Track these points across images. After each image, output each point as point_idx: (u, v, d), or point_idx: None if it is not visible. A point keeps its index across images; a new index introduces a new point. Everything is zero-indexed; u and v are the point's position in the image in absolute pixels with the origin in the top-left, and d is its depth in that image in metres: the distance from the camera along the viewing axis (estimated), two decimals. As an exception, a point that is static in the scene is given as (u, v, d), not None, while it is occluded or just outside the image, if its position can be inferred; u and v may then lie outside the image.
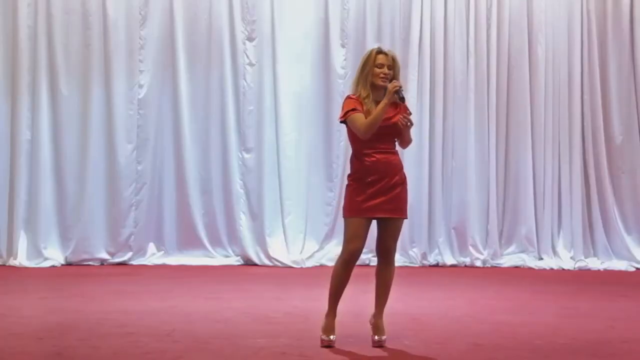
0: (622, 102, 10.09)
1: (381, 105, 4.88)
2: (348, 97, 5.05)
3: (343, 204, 5.09)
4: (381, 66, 4.98)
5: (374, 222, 5.06)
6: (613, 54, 10.08)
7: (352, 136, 5.04)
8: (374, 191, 4.95)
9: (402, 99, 4.95)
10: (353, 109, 4.95)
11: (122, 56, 9.37)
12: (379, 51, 5.04)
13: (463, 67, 9.88)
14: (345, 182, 5.16)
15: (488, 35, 9.94)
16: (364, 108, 4.96)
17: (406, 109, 5.06)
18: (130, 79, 9.40)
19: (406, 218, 5.12)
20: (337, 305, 5.04)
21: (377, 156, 4.97)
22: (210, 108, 9.59)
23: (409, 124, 4.90)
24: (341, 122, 5.06)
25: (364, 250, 5.22)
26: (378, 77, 4.97)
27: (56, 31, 9.26)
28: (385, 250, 5.07)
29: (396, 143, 5.10)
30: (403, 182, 5.05)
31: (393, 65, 5.02)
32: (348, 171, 5.15)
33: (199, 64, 9.58)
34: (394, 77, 5.00)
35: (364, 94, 4.99)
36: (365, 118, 4.91)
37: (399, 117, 4.91)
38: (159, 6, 9.49)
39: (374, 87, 5.00)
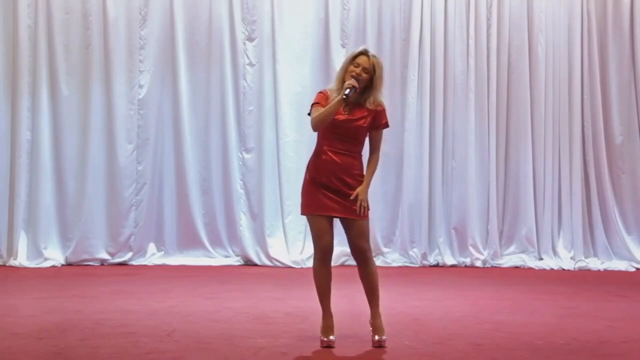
0: (622, 102, 10.09)
1: (334, 101, 4.89)
2: (318, 92, 5.10)
3: (301, 201, 5.08)
4: (357, 65, 4.97)
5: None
6: (613, 54, 10.08)
7: (318, 131, 5.05)
8: (330, 190, 4.95)
9: (346, 96, 4.89)
10: (316, 103, 4.98)
11: (122, 56, 9.38)
12: (363, 52, 5.03)
13: (463, 67, 9.88)
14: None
15: (488, 35, 9.94)
16: (328, 102, 4.96)
17: (381, 114, 5.02)
18: (130, 79, 9.41)
19: (365, 219, 5.02)
20: (329, 304, 5.05)
21: (333, 156, 4.98)
22: (211, 108, 9.59)
23: (361, 211, 4.92)
24: (308, 114, 5.08)
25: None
26: (349, 74, 4.96)
27: (56, 31, 9.26)
28: (358, 251, 5.05)
29: (360, 147, 5.05)
30: (358, 185, 4.98)
31: (372, 71, 4.97)
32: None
33: (199, 64, 9.58)
34: (372, 84, 4.96)
35: (335, 87, 5.01)
36: (320, 110, 4.94)
37: (357, 206, 4.91)
38: (159, 6, 9.49)
39: (343, 82, 4.98)
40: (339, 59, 9.59)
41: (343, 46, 9.68)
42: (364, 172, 5.06)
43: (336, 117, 4.94)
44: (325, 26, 9.74)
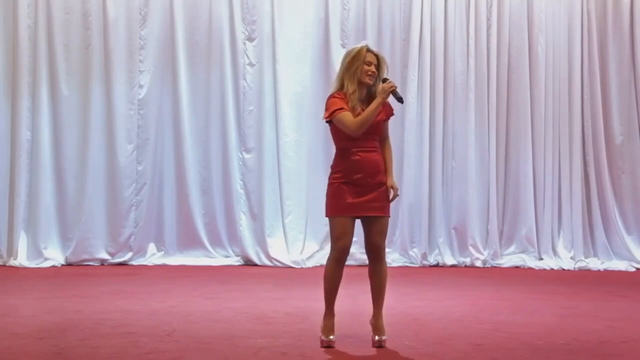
0: (622, 102, 10.10)
1: (375, 104, 4.91)
2: (332, 97, 5.04)
3: (326, 203, 5.08)
4: (369, 64, 5.00)
5: (359, 222, 5.07)
6: (613, 54, 10.08)
7: (338, 135, 5.04)
8: (357, 190, 4.96)
9: (401, 100, 5.00)
10: (340, 108, 4.95)
11: (122, 56, 9.38)
12: (369, 49, 5.05)
13: (463, 67, 9.88)
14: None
15: (488, 35, 9.95)
16: (349, 105, 4.96)
17: (388, 104, 5.09)
18: (130, 79, 9.41)
19: (389, 216, 5.10)
20: (333, 304, 5.05)
21: (362, 155, 4.98)
22: (211, 108, 9.59)
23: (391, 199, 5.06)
24: (327, 121, 5.06)
25: (362, 250, 5.23)
26: (366, 74, 4.98)
27: (56, 31, 9.27)
28: (375, 249, 5.06)
29: (378, 142, 5.10)
30: (384, 180, 5.05)
31: (378, 65, 5.02)
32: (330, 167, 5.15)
33: (199, 64, 9.58)
34: (379, 77, 5.01)
35: (351, 90, 4.98)
36: (351, 115, 4.92)
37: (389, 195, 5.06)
38: (159, 6, 9.49)
39: (360, 84, 5.00)
40: (338, 59, 9.54)
41: (343, 46, 9.67)
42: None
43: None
44: (325, 26, 9.74)
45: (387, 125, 5.16)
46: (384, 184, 5.03)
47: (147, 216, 9.45)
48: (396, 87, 4.97)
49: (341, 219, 4.97)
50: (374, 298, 5.11)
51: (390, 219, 5.15)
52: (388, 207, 5.07)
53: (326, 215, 5.07)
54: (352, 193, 4.96)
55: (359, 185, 4.96)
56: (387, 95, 4.93)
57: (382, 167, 5.05)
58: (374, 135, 5.03)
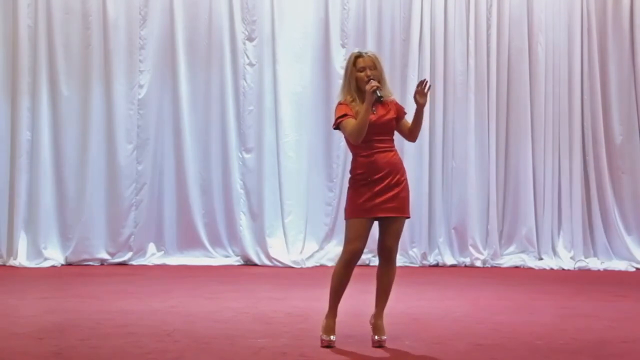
0: (622, 102, 10.09)
1: (363, 109, 4.90)
2: (339, 104, 5.06)
3: (345, 206, 5.10)
4: (362, 69, 5.00)
5: (376, 223, 5.07)
6: (613, 54, 10.08)
7: (349, 140, 5.06)
8: (375, 191, 4.96)
9: (379, 98, 4.92)
10: (344, 115, 4.96)
11: (122, 56, 9.38)
12: (358, 55, 5.06)
13: (463, 67, 9.88)
14: (346, 182, 5.18)
15: (488, 35, 9.94)
16: (353, 111, 4.98)
17: (398, 104, 5.14)
18: (130, 79, 9.41)
19: (409, 217, 5.12)
20: (337, 305, 5.05)
21: (376, 156, 4.99)
22: (211, 108, 9.59)
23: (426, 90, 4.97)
24: (335, 129, 5.09)
25: (364, 250, 5.23)
26: (362, 81, 4.98)
27: (56, 31, 9.26)
28: (387, 250, 5.09)
29: (394, 141, 5.11)
30: (404, 180, 5.05)
31: (374, 65, 5.01)
32: (348, 171, 5.16)
33: (199, 64, 9.58)
34: (379, 76, 4.99)
35: (349, 99, 5.02)
36: (353, 121, 4.93)
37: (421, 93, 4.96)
38: (159, 6, 9.49)
39: (360, 91, 5.00)
40: (338, 59, 9.62)
41: (343, 46, 9.68)
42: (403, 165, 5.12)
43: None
44: (325, 26, 9.74)
45: (406, 121, 5.16)
46: (402, 183, 5.01)
47: (147, 216, 9.44)
48: (376, 87, 4.89)
49: (356, 221, 4.97)
50: (377, 298, 5.12)
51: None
52: (407, 207, 5.06)
53: (345, 218, 5.07)
54: (370, 195, 4.96)
55: (376, 186, 4.96)
56: (372, 97, 4.89)
57: (398, 166, 5.05)
58: (387, 134, 5.05)
